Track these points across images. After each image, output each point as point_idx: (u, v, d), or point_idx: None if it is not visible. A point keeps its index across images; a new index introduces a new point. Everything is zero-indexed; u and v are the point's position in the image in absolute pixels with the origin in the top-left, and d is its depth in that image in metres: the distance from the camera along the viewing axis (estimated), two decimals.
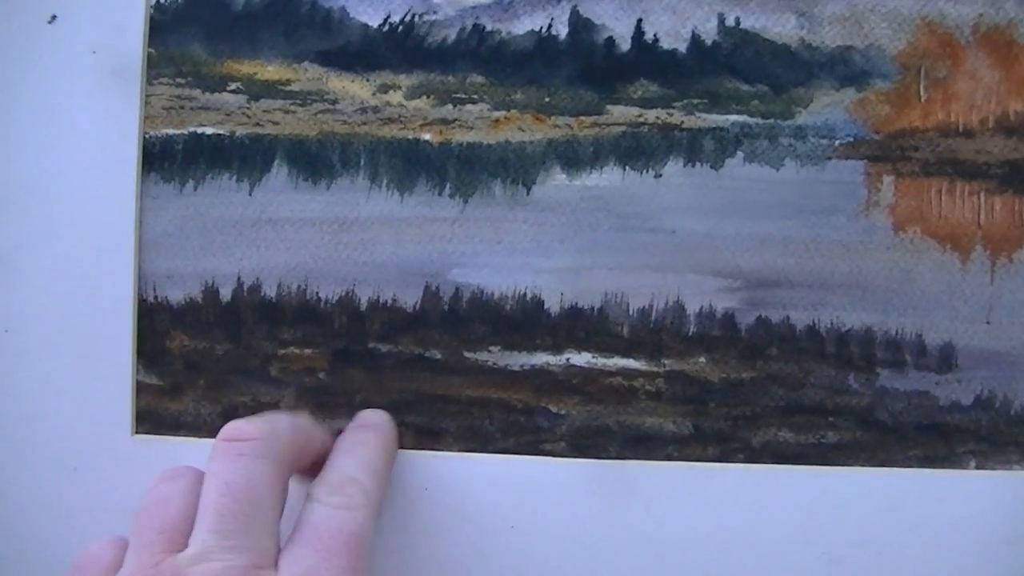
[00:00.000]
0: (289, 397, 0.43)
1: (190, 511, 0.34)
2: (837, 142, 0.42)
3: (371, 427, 0.41)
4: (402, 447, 0.43)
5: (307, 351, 0.43)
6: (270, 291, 0.43)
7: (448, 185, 0.42)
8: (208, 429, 0.43)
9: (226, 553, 0.33)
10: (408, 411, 0.43)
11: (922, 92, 0.42)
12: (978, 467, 0.43)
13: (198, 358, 0.43)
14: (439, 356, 0.43)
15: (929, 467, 0.43)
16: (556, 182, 0.42)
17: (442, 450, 0.43)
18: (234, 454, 0.35)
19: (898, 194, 0.43)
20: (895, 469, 0.43)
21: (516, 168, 0.42)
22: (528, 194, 0.42)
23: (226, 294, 0.43)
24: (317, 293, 0.43)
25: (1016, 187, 0.43)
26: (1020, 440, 0.43)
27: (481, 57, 0.42)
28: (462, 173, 0.42)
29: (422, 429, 0.43)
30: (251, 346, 0.43)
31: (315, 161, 0.43)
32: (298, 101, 0.43)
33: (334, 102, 0.43)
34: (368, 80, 0.42)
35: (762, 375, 0.42)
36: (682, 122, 0.42)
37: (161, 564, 0.33)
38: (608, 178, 0.42)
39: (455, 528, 0.42)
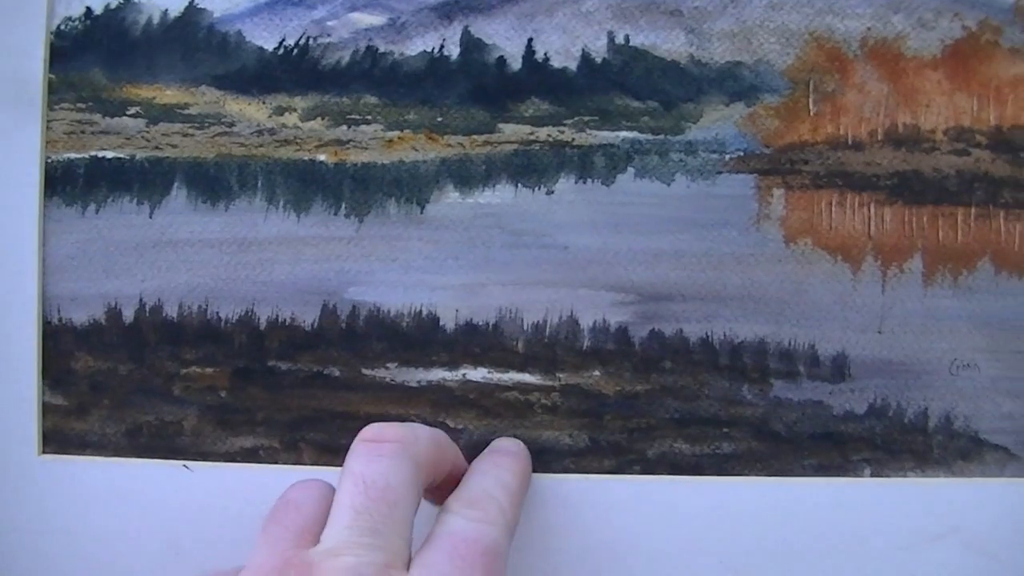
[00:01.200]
0: (192, 416, 0.44)
1: (321, 515, 0.34)
2: (727, 156, 0.43)
3: (508, 453, 0.41)
4: (300, 463, 0.43)
5: (208, 370, 0.43)
6: (171, 311, 0.43)
7: (344, 205, 0.43)
8: (113, 448, 0.43)
9: (361, 549, 0.32)
10: (308, 428, 0.43)
11: (811, 106, 0.43)
12: (873, 475, 0.43)
13: (102, 378, 0.43)
14: (338, 373, 0.43)
15: (824, 475, 0.43)
16: (449, 200, 0.43)
17: (341, 466, 0.43)
18: (374, 454, 0.35)
19: (789, 207, 0.43)
20: (790, 478, 0.43)
21: (410, 187, 0.43)
22: (422, 212, 0.43)
23: (129, 315, 0.43)
24: (217, 313, 0.43)
25: (906, 198, 0.43)
26: (914, 448, 0.43)
27: (374, 78, 0.43)
28: (357, 193, 0.43)
29: (322, 446, 0.43)
30: (154, 366, 0.44)
31: (213, 183, 0.43)
32: (196, 124, 0.43)
33: (231, 124, 0.43)
34: (264, 102, 0.43)
35: (657, 387, 0.43)
36: (573, 139, 0.43)
37: (293, 557, 0.32)
38: (501, 195, 0.43)
39: None
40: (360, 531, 0.32)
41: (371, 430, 0.36)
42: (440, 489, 0.38)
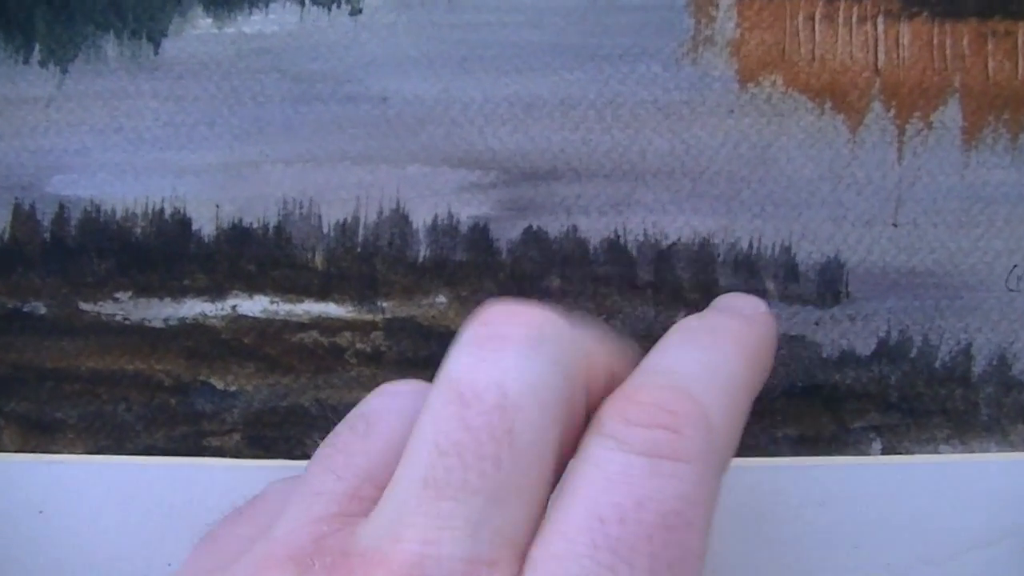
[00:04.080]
0: None
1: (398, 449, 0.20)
2: None
3: (736, 316, 0.23)
4: None
5: None
6: None
7: (37, 47, 0.27)
8: None
9: (435, 530, 0.18)
10: (5, 395, 0.28)
11: None
12: (885, 451, 0.27)
13: None
14: (43, 310, 0.28)
15: (807, 453, 0.27)
16: (198, 31, 0.27)
17: (60, 451, 0.28)
18: (488, 349, 0.19)
19: (744, 23, 0.27)
20: (756, 459, 0.27)
21: (136, 14, 0.27)
22: (156, 53, 0.27)
23: None
24: None
25: (934, 7, 0.27)
26: (950, 407, 0.27)
27: None
28: (56, 27, 0.27)
29: (28, 421, 0.28)
30: None
31: None
32: None
33: None
34: None
35: None
36: None
37: (328, 537, 0.19)
38: (279, 20, 0.27)
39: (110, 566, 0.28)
40: (442, 492, 0.18)
41: (491, 311, 0.20)
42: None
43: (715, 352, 0.21)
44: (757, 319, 0.23)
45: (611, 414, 0.19)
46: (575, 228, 0.27)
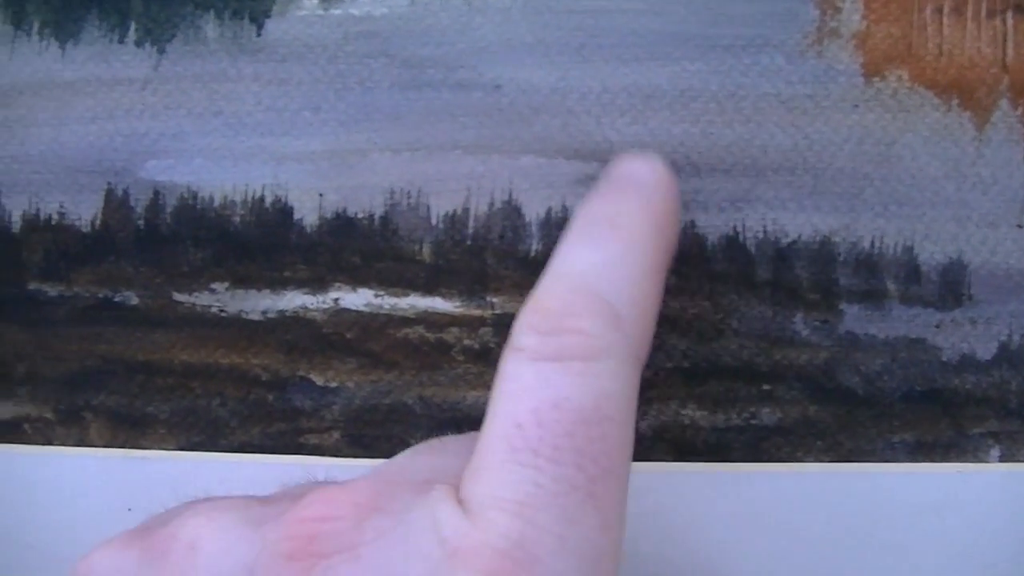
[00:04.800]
0: None
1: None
2: None
3: (634, 192, 0.22)
4: (86, 443, 0.27)
5: None
6: None
7: (133, 27, 0.26)
8: None
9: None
10: (92, 388, 0.27)
11: None
12: (1004, 458, 0.27)
13: None
14: (135, 301, 0.27)
15: (924, 459, 0.27)
16: (303, 12, 0.26)
17: (150, 447, 0.27)
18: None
19: (870, 15, 0.26)
20: (872, 465, 0.26)
21: None
22: (259, 34, 0.26)
23: None
24: None
25: None
26: None
27: None
28: (152, 5, 0.26)
29: (117, 415, 0.27)
30: None
31: None
32: None
33: None
34: None
35: None
36: None
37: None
38: (389, 2, 0.26)
39: None
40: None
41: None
42: None
43: (617, 243, 0.21)
44: (657, 188, 0.22)
45: (521, 327, 0.19)
46: (693, 224, 0.26)
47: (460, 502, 0.18)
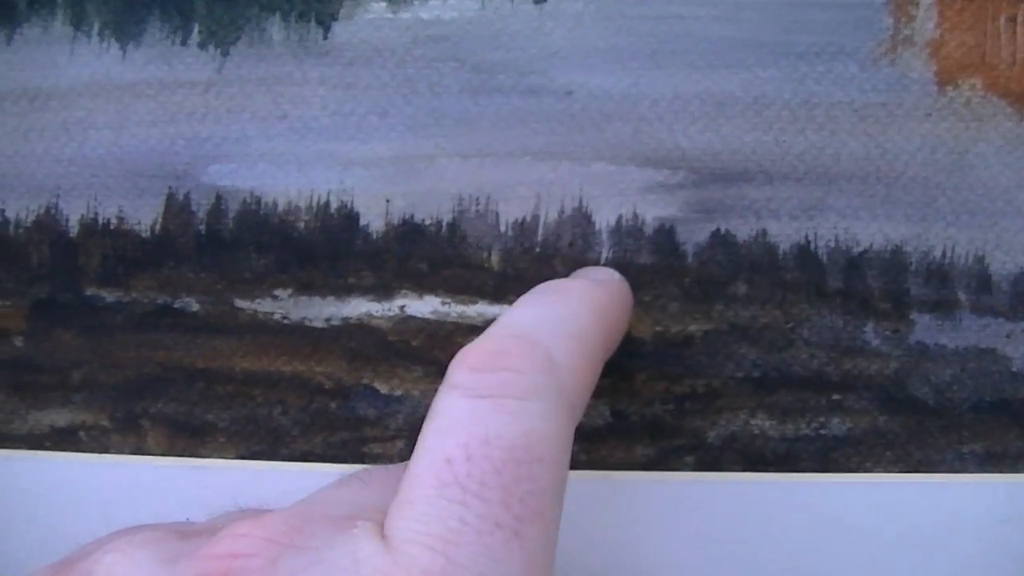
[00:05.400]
0: None
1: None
2: None
3: (587, 279, 0.24)
4: (143, 451, 0.27)
5: None
6: None
7: (196, 29, 0.26)
8: None
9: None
10: (150, 395, 0.27)
11: None
12: None
13: None
14: (195, 307, 0.26)
15: (995, 470, 0.26)
16: (371, 15, 0.26)
17: (209, 456, 0.26)
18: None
19: (944, 24, 0.26)
20: (940, 475, 0.26)
21: None
22: (326, 37, 0.26)
23: None
24: (1, 211, 0.27)
25: None
26: None
27: None
28: (217, 7, 0.26)
29: (175, 423, 0.27)
30: None
31: None
32: None
33: None
34: None
35: (723, 327, 0.26)
36: None
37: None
38: (459, 5, 0.25)
39: None
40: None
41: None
42: None
43: (561, 306, 0.22)
44: (609, 285, 0.24)
45: (457, 366, 0.20)
46: (764, 232, 0.26)
47: (384, 537, 0.18)
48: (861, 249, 0.26)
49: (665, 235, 0.26)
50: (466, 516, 0.17)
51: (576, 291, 0.22)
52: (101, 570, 0.19)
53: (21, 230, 0.27)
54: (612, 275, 0.24)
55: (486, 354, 0.20)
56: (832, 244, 0.26)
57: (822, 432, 0.26)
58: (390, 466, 0.22)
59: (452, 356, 0.25)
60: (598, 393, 0.26)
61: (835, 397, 0.26)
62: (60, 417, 0.27)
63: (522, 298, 0.22)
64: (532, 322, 0.21)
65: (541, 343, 0.20)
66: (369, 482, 0.21)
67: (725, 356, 0.26)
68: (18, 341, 0.27)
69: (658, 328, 0.26)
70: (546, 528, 0.18)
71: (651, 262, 0.26)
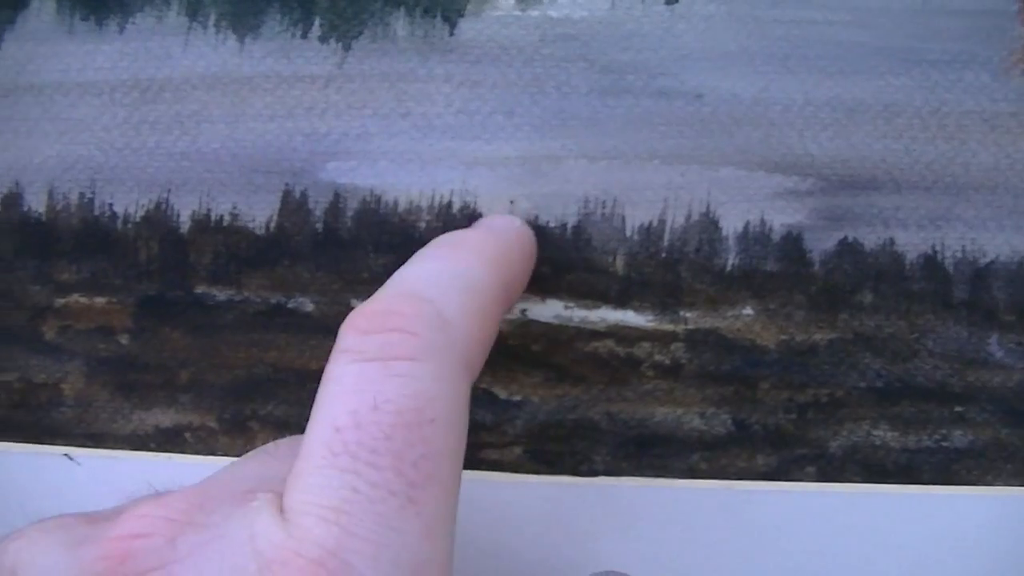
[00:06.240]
0: (75, 375, 0.27)
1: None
2: None
3: (483, 229, 0.24)
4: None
5: (98, 300, 0.26)
6: (35, 203, 0.26)
7: (317, 21, 0.25)
8: None
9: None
10: (262, 396, 0.26)
11: None
12: None
13: None
14: (310, 307, 0.26)
15: None
16: (499, 12, 0.25)
17: None
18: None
19: None
20: None
21: None
22: (452, 34, 0.25)
23: None
24: (110, 206, 0.26)
25: None
26: None
27: None
28: (340, 1, 0.25)
29: (286, 426, 0.26)
30: (11, 293, 0.26)
31: None
32: None
33: None
34: None
35: (848, 337, 0.26)
36: None
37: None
38: (588, 4, 0.25)
39: None
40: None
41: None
42: None
43: (452, 260, 0.21)
44: (508, 231, 0.23)
45: (346, 329, 0.19)
46: (892, 241, 0.25)
47: (282, 510, 0.17)
48: (988, 260, 0.26)
49: (792, 242, 0.25)
50: (358, 485, 0.17)
51: (470, 242, 0.22)
52: (7, 558, 0.18)
53: (130, 225, 0.26)
54: (512, 223, 0.24)
55: (374, 315, 0.19)
56: (959, 254, 0.25)
57: (944, 444, 0.26)
58: (294, 437, 0.21)
59: (574, 362, 0.25)
60: (719, 401, 0.25)
61: (957, 409, 0.26)
62: (165, 417, 0.26)
63: (416, 253, 0.22)
64: (423, 278, 0.20)
65: (432, 300, 0.19)
66: (275, 454, 0.21)
67: (849, 366, 0.26)
68: (123, 339, 0.26)
69: (783, 336, 0.26)
70: (444, 492, 0.18)
71: (777, 269, 0.25)
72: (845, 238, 0.25)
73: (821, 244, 0.25)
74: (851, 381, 0.26)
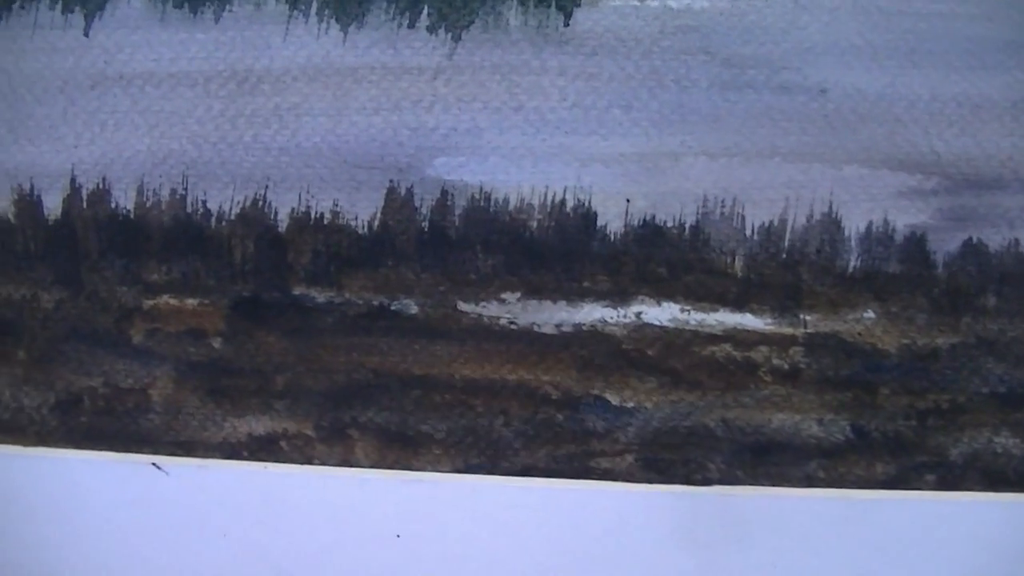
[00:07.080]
0: (164, 380, 0.25)
1: None
2: None
3: None
4: (350, 462, 0.25)
5: (191, 301, 0.25)
6: (123, 200, 0.25)
7: (425, 10, 0.24)
8: (35, 431, 0.25)
9: None
10: (362, 403, 0.25)
11: None
12: None
13: (11, 314, 0.25)
14: (414, 309, 0.25)
15: None
16: (617, 2, 0.24)
17: (420, 468, 0.25)
18: None
19: None
20: None
21: None
22: (567, 25, 0.24)
23: (53, 204, 0.25)
24: (204, 202, 0.25)
25: None
26: None
27: None
28: None
29: (387, 433, 0.25)
30: (98, 293, 0.25)
31: None
32: None
33: None
34: None
35: (971, 341, 0.25)
36: None
37: None
38: None
39: None
40: None
41: None
42: None
43: None
44: None
45: None
46: (1017, 242, 0.25)
47: None
48: None
49: (916, 243, 0.25)
50: None
51: None
52: None
53: (224, 223, 0.25)
54: None
55: None
56: None
57: None
58: None
59: (690, 367, 0.24)
60: (838, 407, 0.24)
61: None
62: (260, 424, 0.25)
63: None
64: None
65: None
66: None
67: (971, 371, 0.25)
68: (216, 342, 0.25)
69: (904, 341, 0.25)
70: None
71: (900, 271, 0.25)
72: (969, 239, 0.25)
73: (945, 245, 0.25)
74: (973, 386, 0.25)
